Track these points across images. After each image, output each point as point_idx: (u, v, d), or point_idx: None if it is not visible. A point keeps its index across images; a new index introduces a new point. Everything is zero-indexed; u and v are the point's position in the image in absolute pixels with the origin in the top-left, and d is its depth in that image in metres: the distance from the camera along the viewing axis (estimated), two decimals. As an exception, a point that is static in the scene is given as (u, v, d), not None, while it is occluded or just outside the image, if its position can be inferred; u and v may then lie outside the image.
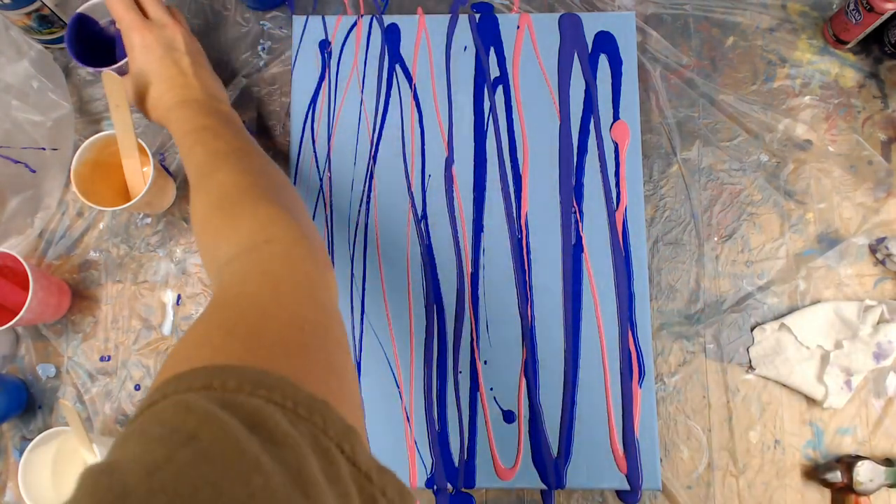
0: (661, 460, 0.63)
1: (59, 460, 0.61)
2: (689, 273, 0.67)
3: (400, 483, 0.29)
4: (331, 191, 0.67)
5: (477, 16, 0.71)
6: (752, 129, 0.70)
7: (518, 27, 0.70)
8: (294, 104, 0.69)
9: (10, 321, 0.60)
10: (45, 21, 0.68)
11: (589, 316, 0.64)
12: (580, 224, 0.66)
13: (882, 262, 0.66)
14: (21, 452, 0.63)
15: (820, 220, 0.68)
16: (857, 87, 0.70)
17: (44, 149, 0.67)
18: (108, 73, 0.58)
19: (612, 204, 0.66)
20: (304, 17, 0.71)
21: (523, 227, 0.66)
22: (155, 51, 0.58)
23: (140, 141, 0.63)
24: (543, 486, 0.62)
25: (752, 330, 0.66)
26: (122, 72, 0.64)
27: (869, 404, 0.64)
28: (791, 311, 0.66)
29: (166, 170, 0.69)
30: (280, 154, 0.70)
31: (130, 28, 0.58)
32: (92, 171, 0.63)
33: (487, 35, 0.70)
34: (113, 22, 0.67)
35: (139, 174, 0.65)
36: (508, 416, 0.63)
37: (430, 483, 0.62)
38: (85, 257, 0.68)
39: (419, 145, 0.68)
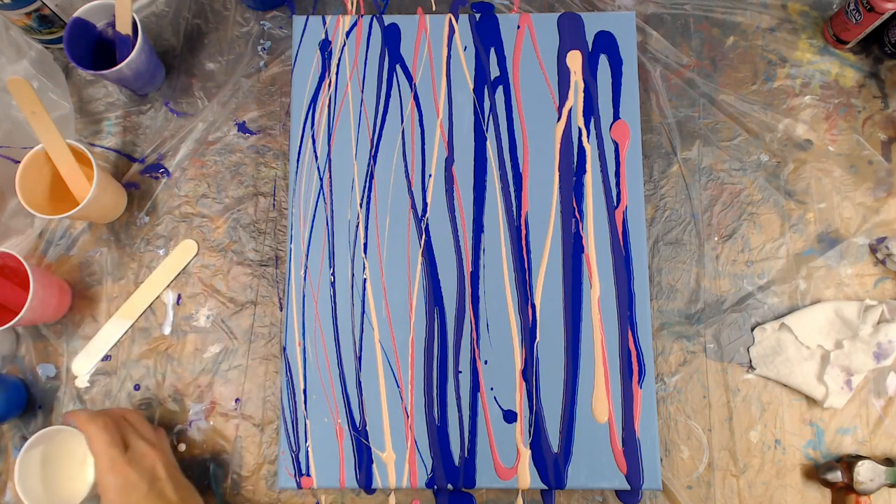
0: (661, 460, 0.63)
1: (55, 459, 0.61)
2: (690, 273, 0.67)
3: None
4: (331, 191, 0.67)
5: (477, 16, 0.71)
6: (753, 128, 0.70)
7: (518, 27, 0.70)
8: (294, 104, 0.69)
9: (10, 321, 0.60)
10: (45, 21, 0.68)
11: (589, 316, 0.64)
12: (580, 224, 0.66)
13: (882, 262, 0.66)
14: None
15: (820, 219, 0.68)
16: (857, 86, 0.70)
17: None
18: (14, 79, 0.56)
19: (612, 204, 0.66)
20: (304, 17, 0.71)
21: (523, 227, 0.66)
22: (139, 488, 0.54)
23: (82, 147, 0.62)
24: (543, 486, 0.62)
25: (752, 330, 0.66)
26: (122, 74, 0.65)
27: (869, 404, 0.64)
28: (791, 310, 0.66)
29: (165, 173, 0.69)
30: (280, 154, 0.70)
31: (110, 469, 0.54)
32: (56, 177, 0.63)
33: (487, 35, 0.71)
34: (111, 24, 0.67)
35: (83, 182, 0.63)
36: (508, 416, 0.63)
37: (430, 483, 0.62)
38: (85, 257, 0.68)
39: (419, 145, 0.68)
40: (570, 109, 0.69)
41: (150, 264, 0.68)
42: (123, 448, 0.55)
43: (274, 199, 0.69)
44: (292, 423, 0.63)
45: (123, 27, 0.65)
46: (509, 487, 0.62)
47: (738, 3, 0.73)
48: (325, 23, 0.71)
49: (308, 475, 0.62)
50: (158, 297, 0.67)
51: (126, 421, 0.58)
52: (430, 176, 0.68)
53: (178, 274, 0.68)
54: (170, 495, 0.55)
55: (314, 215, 0.67)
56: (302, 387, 0.64)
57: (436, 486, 0.62)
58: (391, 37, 0.71)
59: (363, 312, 0.65)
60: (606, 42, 0.70)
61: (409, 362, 0.64)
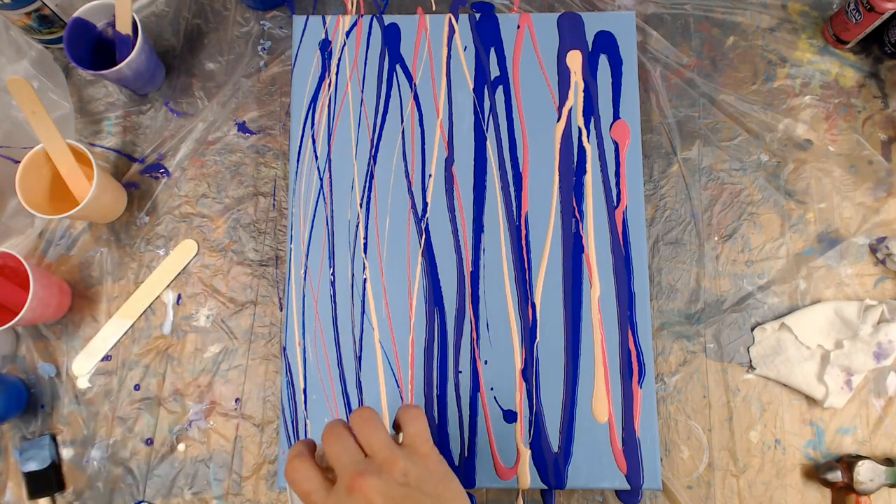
0: (661, 460, 0.63)
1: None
2: (690, 273, 0.67)
3: None
4: (331, 191, 0.67)
5: (477, 16, 0.71)
6: (753, 128, 0.70)
7: (518, 27, 0.70)
8: (294, 104, 0.69)
9: (10, 321, 0.60)
10: (45, 21, 0.68)
11: (589, 316, 0.64)
12: (580, 224, 0.66)
13: (882, 262, 0.66)
14: (21, 452, 0.63)
15: (820, 219, 0.68)
16: (857, 86, 0.70)
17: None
18: (14, 79, 0.56)
19: (612, 203, 0.66)
20: (304, 17, 0.71)
21: (523, 227, 0.66)
22: None
23: (82, 147, 0.62)
24: (544, 486, 0.62)
25: (752, 330, 0.66)
26: (122, 74, 0.65)
27: (869, 404, 0.64)
28: (791, 310, 0.66)
29: (165, 173, 0.69)
30: (280, 154, 0.70)
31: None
32: (56, 177, 0.63)
33: (487, 35, 0.71)
34: (111, 24, 0.67)
35: (83, 182, 0.64)
36: (508, 416, 0.63)
37: (430, 483, 0.62)
38: (85, 257, 0.68)
39: (419, 145, 0.68)
40: (570, 109, 0.69)
41: (150, 264, 0.68)
42: (326, 486, 0.42)
43: (274, 199, 0.69)
44: (292, 423, 0.63)
45: (123, 27, 0.65)
46: (509, 487, 0.62)
47: (738, 3, 0.73)
48: (325, 23, 0.71)
49: (308, 475, 0.62)
50: (158, 297, 0.67)
51: (339, 438, 0.43)
52: (430, 176, 0.68)
53: (178, 274, 0.68)
54: None
55: (314, 215, 0.67)
56: (302, 387, 0.64)
57: (436, 486, 0.62)
58: (391, 37, 0.71)
59: (363, 312, 0.65)
60: (606, 42, 0.70)
61: (409, 362, 0.64)
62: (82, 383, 0.66)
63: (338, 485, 0.41)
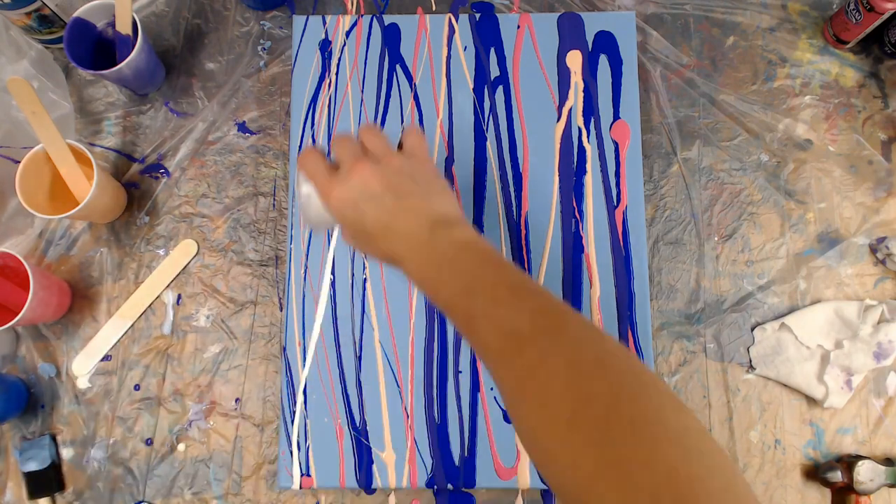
0: (661, 460, 0.63)
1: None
2: (690, 273, 0.67)
3: None
4: (331, 191, 0.67)
5: (477, 16, 0.71)
6: (753, 128, 0.70)
7: (518, 27, 0.70)
8: (294, 104, 0.69)
9: (10, 321, 0.60)
10: (45, 21, 0.68)
11: (589, 316, 0.64)
12: (580, 224, 0.66)
13: (882, 262, 0.66)
14: (21, 452, 0.63)
15: (820, 219, 0.68)
16: (857, 86, 0.70)
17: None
18: (14, 79, 0.55)
19: (612, 203, 0.66)
20: (304, 17, 0.71)
21: (523, 227, 0.66)
22: (350, 205, 0.47)
23: (82, 147, 0.62)
24: (544, 486, 0.62)
25: (752, 330, 0.66)
26: (122, 74, 0.65)
27: (869, 404, 0.64)
28: (791, 310, 0.66)
29: (165, 173, 0.69)
30: (280, 154, 0.70)
31: (324, 196, 0.48)
32: (56, 177, 0.63)
33: (487, 35, 0.70)
34: (111, 24, 0.67)
35: (82, 182, 0.64)
36: (508, 416, 0.63)
37: (430, 483, 0.62)
38: (85, 257, 0.68)
39: (419, 145, 0.68)
40: (570, 109, 0.69)
41: (150, 264, 0.68)
42: (332, 171, 0.48)
43: (274, 199, 0.69)
44: (292, 423, 0.63)
45: (123, 27, 0.65)
46: (509, 487, 0.62)
47: (738, 3, 0.73)
48: (325, 23, 0.71)
49: (308, 475, 0.62)
50: (158, 297, 0.67)
51: (345, 139, 0.50)
52: (430, 176, 0.68)
53: (178, 274, 0.68)
54: (386, 203, 0.46)
55: (314, 215, 0.67)
56: (302, 387, 0.64)
57: (436, 486, 0.62)
58: (391, 37, 0.71)
59: (363, 312, 0.65)
60: (606, 42, 0.70)
61: (409, 362, 0.64)
62: (82, 383, 0.66)
63: (340, 169, 0.48)
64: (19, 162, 0.62)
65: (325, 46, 0.71)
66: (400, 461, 0.62)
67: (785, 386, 0.64)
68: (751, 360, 0.65)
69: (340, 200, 0.47)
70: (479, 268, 0.44)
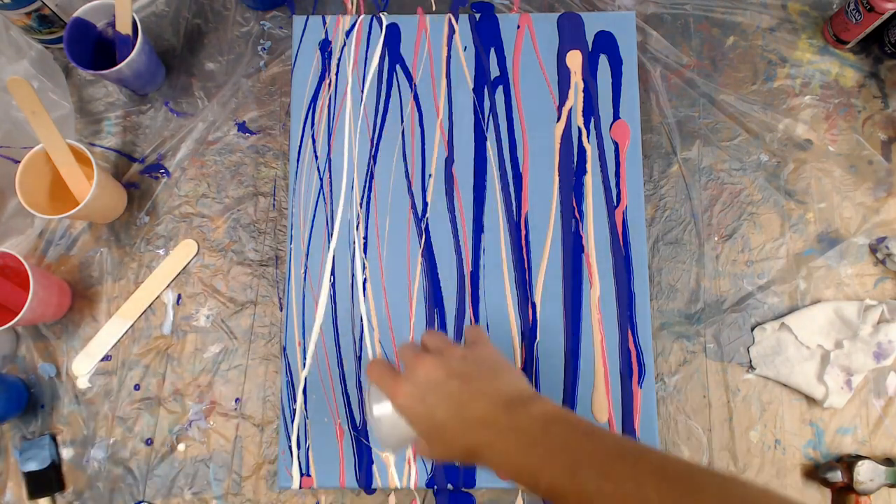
0: (661, 460, 0.63)
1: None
2: (690, 273, 0.67)
3: None
4: (331, 191, 0.67)
5: (477, 16, 0.71)
6: (753, 128, 0.70)
7: (518, 27, 0.70)
8: (294, 104, 0.69)
9: (10, 321, 0.60)
10: (45, 21, 0.68)
11: (589, 316, 0.64)
12: (580, 224, 0.66)
13: (882, 262, 0.66)
14: (21, 452, 0.63)
15: (820, 219, 0.68)
16: (857, 86, 0.70)
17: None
18: (14, 79, 0.55)
19: (612, 203, 0.66)
20: (304, 17, 0.71)
21: (523, 227, 0.66)
22: (417, 399, 0.46)
23: (82, 147, 0.62)
24: (544, 486, 0.62)
25: (752, 330, 0.66)
26: (122, 74, 0.65)
27: (869, 404, 0.64)
28: (791, 310, 0.66)
29: (165, 173, 0.69)
30: (280, 154, 0.70)
31: (391, 396, 0.47)
32: (56, 177, 0.63)
33: (487, 35, 0.70)
34: (111, 24, 0.67)
35: (83, 182, 0.64)
36: None
37: (430, 483, 0.62)
38: (85, 257, 0.68)
39: (419, 145, 0.68)
40: (570, 109, 0.69)
41: (150, 264, 0.68)
42: (398, 373, 0.48)
43: (274, 199, 0.69)
44: (292, 423, 0.63)
45: (123, 27, 0.65)
46: (509, 487, 0.62)
47: (738, 3, 0.73)
48: (325, 23, 0.71)
49: (308, 475, 0.62)
50: (158, 297, 0.67)
51: (409, 345, 0.51)
52: (430, 176, 0.68)
53: (178, 274, 0.68)
54: (453, 390, 0.45)
55: (314, 215, 0.67)
56: (302, 387, 0.64)
57: (436, 486, 0.62)
58: (391, 37, 0.71)
59: (363, 313, 0.65)
60: (606, 42, 0.70)
61: (409, 362, 0.64)
62: (82, 383, 0.66)
63: (404, 369, 0.48)
64: (19, 162, 0.62)
65: (325, 46, 0.71)
66: (400, 461, 0.62)
67: (785, 386, 0.64)
68: (751, 360, 0.65)
69: (407, 397, 0.46)
70: (574, 441, 0.41)
